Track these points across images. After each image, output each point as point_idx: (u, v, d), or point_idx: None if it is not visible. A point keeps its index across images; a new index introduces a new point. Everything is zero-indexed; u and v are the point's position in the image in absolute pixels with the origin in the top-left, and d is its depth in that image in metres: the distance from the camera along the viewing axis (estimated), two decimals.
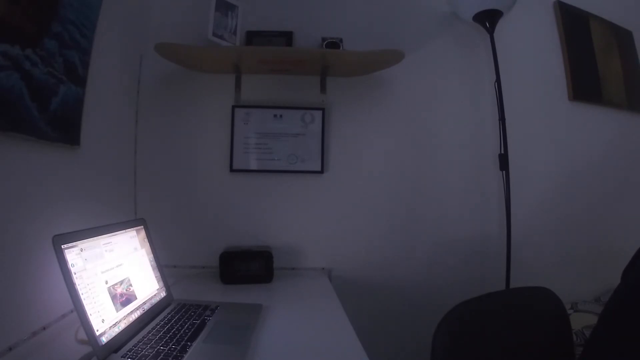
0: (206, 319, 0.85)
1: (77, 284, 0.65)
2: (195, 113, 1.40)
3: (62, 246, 0.65)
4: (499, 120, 1.38)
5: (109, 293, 0.74)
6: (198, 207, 1.38)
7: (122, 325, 0.73)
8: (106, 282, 0.74)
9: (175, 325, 0.81)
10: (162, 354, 0.67)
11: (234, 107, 1.39)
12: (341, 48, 1.32)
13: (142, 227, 0.98)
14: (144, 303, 0.85)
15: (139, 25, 1.35)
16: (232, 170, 1.38)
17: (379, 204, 1.44)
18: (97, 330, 0.66)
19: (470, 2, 1.38)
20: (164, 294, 0.96)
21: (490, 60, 1.42)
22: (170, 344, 0.72)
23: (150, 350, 0.68)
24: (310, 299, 1.11)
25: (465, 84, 1.51)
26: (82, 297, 0.65)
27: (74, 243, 0.68)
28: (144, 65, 1.38)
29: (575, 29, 1.64)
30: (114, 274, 0.78)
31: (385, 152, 1.46)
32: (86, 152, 1.00)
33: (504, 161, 1.37)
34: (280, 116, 1.40)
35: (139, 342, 0.72)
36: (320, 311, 1.00)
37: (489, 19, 1.38)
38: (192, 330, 0.79)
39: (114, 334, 0.70)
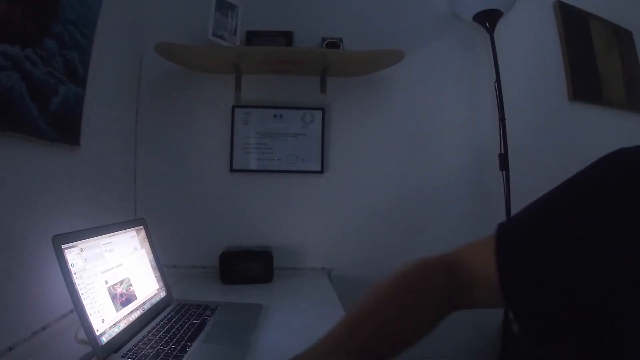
0: (206, 319, 0.85)
1: (77, 284, 0.65)
2: (195, 113, 1.40)
3: (62, 246, 0.65)
4: (499, 120, 1.38)
5: (109, 293, 0.74)
6: (198, 207, 1.38)
7: (122, 325, 0.73)
8: (106, 282, 0.74)
9: (175, 325, 0.81)
10: (162, 354, 0.67)
11: (234, 107, 1.39)
12: (341, 48, 1.32)
13: (142, 227, 0.98)
14: (144, 303, 0.85)
15: (139, 25, 1.35)
16: (232, 170, 1.38)
17: (379, 203, 1.44)
18: (97, 330, 0.66)
19: (470, 2, 1.38)
20: (164, 294, 0.96)
21: (490, 60, 1.42)
22: (170, 344, 0.72)
23: (150, 350, 0.68)
24: (310, 299, 1.11)
25: (465, 84, 1.51)
26: (82, 297, 0.65)
27: (74, 243, 0.68)
28: (144, 65, 1.37)
29: (575, 29, 1.64)
30: (114, 274, 0.78)
31: (385, 152, 1.46)
32: (86, 152, 1.00)
33: (504, 161, 1.37)
34: (280, 116, 1.40)
35: (139, 342, 0.72)
36: (320, 311, 1.00)
37: (489, 19, 1.38)
38: (192, 330, 0.79)
39: (114, 334, 0.70)
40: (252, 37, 1.38)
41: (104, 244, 0.78)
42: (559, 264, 0.37)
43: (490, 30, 1.40)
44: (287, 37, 1.38)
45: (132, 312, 0.79)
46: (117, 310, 0.74)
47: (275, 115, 1.40)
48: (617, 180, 0.36)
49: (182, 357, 0.67)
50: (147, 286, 0.90)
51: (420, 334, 0.45)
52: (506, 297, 0.40)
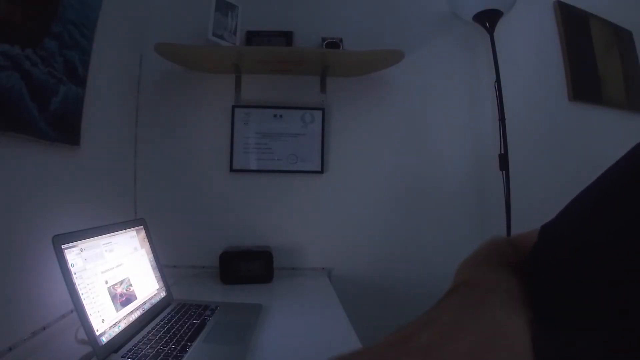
0: (206, 319, 0.85)
1: (77, 284, 0.65)
2: (195, 113, 1.40)
3: (62, 246, 0.65)
4: (499, 120, 1.38)
5: (109, 293, 0.74)
6: (198, 207, 1.38)
7: (122, 325, 0.73)
8: (106, 282, 0.74)
9: (175, 325, 0.81)
10: (162, 354, 0.67)
11: (234, 107, 1.39)
12: (341, 48, 1.32)
13: (142, 227, 0.98)
14: (144, 303, 0.85)
15: (139, 25, 1.35)
16: (232, 170, 1.38)
17: (378, 203, 1.44)
18: (97, 330, 0.66)
19: (470, 2, 1.38)
20: (164, 294, 0.96)
21: (490, 60, 1.42)
22: (170, 344, 0.72)
23: (150, 350, 0.68)
24: (310, 299, 1.11)
25: (465, 84, 1.51)
26: (82, 297, 0.65)
27: (74, 243, 0.69)
28: (144, 65, 1.37)
29: (575, 29, 1.64)
30: (114, 274, 0.78)
31: (385, 152, 1.46)
32: (86, 152, 1.00)
33: (504, 161, 1.37)
34: (280, 116, 1.40)
35: (139, 342, 0.72)
36: (320, 311, 1.00)
37: (489, 19, 1.38)
38: (192, 330, 0.79)
39: (114, 334, 0.70)
40: (252, 37, 1.38)
41: (104, 244, 0.78)
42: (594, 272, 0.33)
43: (490, 30, 1.40)
44: (287, 37, 1.38)
45: (132, 312, 0.79)
46: (117, 310, 0.74)
47: (275, 115, 1.40)
48: None
49: (182, 357, 0.67)
50: (147, 286, 0.91)
51: None
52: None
